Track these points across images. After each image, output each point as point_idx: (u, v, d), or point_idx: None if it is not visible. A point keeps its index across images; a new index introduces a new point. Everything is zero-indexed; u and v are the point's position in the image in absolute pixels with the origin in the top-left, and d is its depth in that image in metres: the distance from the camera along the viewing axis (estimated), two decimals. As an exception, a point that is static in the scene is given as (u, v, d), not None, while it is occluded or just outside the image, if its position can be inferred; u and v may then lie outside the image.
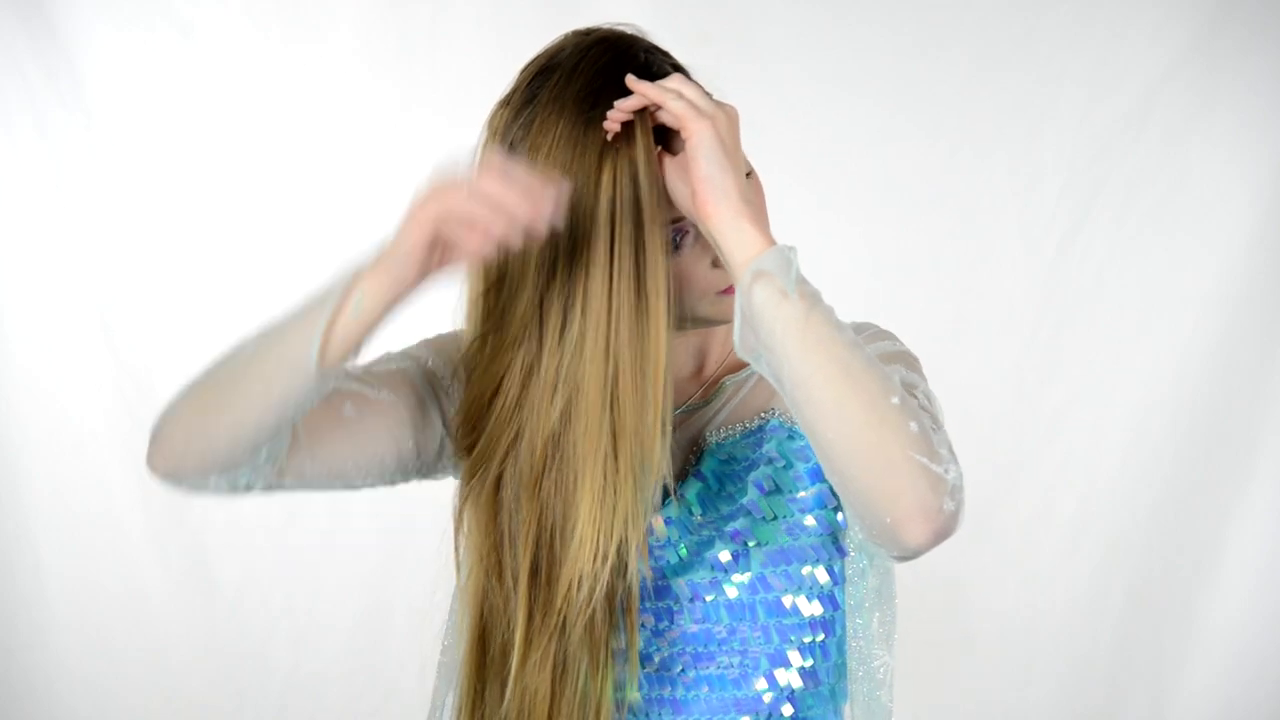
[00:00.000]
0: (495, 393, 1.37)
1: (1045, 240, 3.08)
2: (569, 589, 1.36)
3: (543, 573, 1.38)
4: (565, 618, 1.37)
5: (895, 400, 1.23)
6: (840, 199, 3.09)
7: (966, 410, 3.06)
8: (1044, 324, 3.10)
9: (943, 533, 1.24)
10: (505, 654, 1.41)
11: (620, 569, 1.37)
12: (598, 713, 1.41)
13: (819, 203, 3.07)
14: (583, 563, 1.35)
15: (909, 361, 1.43)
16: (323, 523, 3.13)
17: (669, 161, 1.33)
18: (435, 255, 1.28)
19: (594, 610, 1.38)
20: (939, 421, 1.33)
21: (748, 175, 1.39)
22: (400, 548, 3.05)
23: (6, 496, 3.07)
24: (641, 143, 1.33)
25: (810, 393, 1.24)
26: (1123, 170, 3.06)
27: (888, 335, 1.47)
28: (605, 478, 1.34)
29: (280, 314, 1.34)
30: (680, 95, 1.30)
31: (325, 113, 3.06)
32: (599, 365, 1.32)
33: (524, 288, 1.34)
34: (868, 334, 1.47)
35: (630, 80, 1.32)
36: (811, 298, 1.25)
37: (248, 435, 1.33)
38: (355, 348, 1.31)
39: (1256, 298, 3.04)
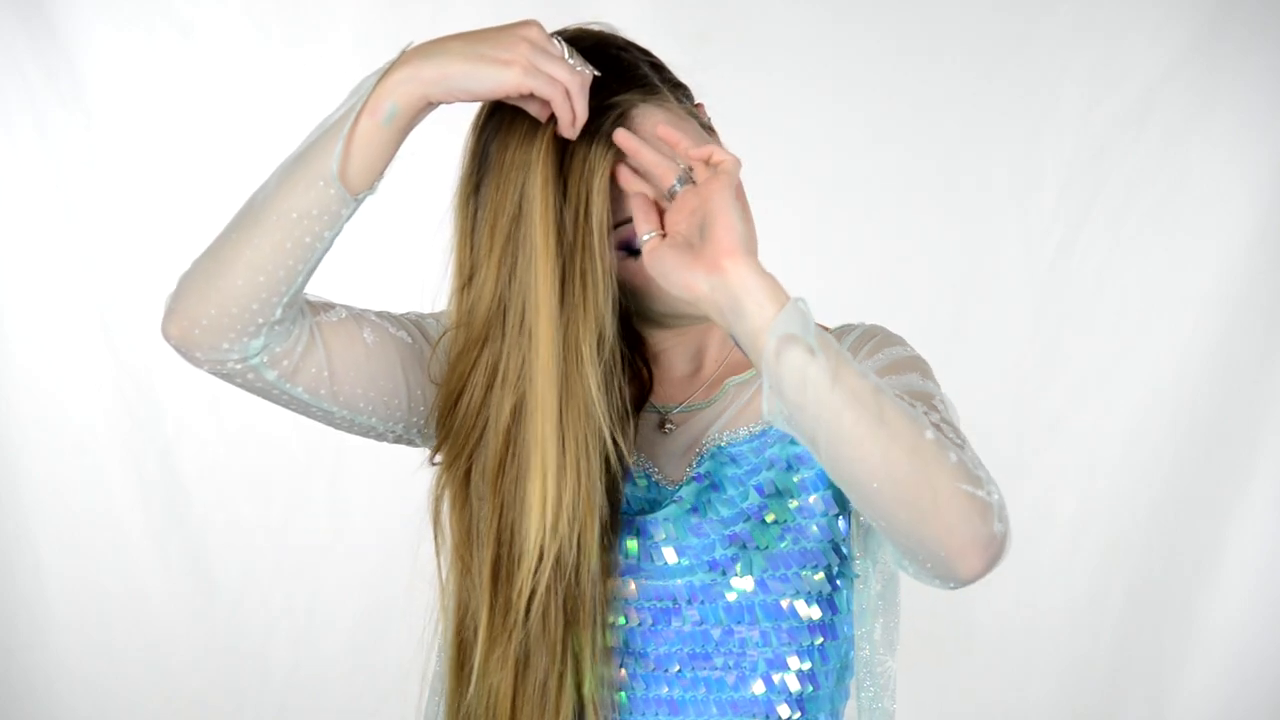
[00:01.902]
0: (463, 389, 1.38)
1: (1045, 240, 3.08)
2: (522, 585, 1.36)
3: (503, 568, 1.38)
4: (521, 614, 1.38)
5: (930, 435, 1.22)
6: (839, 199, 3.09)
7: (966, 410, 3.05)
8: (1044, 324, 3.10)
9: (997, 557, 1.24)
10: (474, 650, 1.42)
11: (574, 566, 1.37)
12: (557, 710, 1.40)
13: (818, 203, 3.07)
14: (531, 558, 1.35)
15: (922, 368, 1.42)
16: (323, 523, 3.13)
17: (661, 246, 1.29)
18: (486, 68, 1.29)
19: (549, 607, 1.38)
20: (961, 435, 1.33)
21: None
22: (400, 548, 3.05)
23: (6, 496, 3.07)
24: (599, 149, 1.33)
25: (850, 448, 1.22)
26: (1123, 170, 3.06)
27: (897, 340, 1.47)
28: (552, 475, 1.34)
29: (299, 145, 1.34)
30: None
31: (325, 113, 3.05)
32: (548, 362, 1.33)
33: (488, 286, 1.34)
34: (879, 338, 1.46)
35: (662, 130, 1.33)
36: (833, 349, 1.22)
37: (268, 277, 1.31)
38: (380, 167, 1.32)
39: (1256, 298, 3.04)
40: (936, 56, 3.05)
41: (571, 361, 1.33)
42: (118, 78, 3.03)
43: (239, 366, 1.35)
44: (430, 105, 1.32)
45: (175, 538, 3.11)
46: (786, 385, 1.22)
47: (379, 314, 1.45)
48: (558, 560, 1.36)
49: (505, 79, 1.28)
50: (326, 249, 1.34)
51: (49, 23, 2.99)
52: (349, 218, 1.33)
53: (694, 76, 1.43)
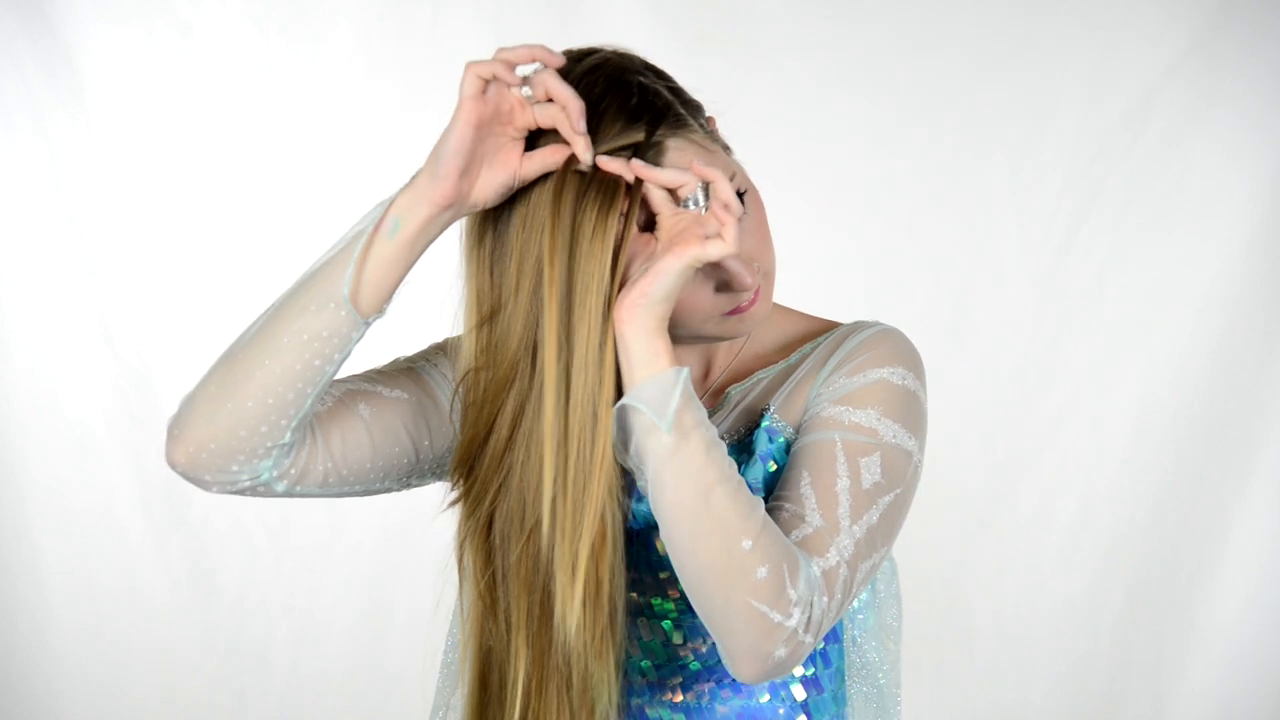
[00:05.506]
0: (488, 435, 1.35)
1: (1045, 240, 3.08)
2: (567, 636, 1.33)
3: (536, 618, 1.36)
4: (565, 663, 1.36)
5: (747, 545, 1.23)
6: (840, 198, 3.09)
7: (967, 410, 3.07)
8: (1044, 324, 3.10)
9: (773, 674, 1.26)
10: (503, 689, 1.40)
11: (608, 595, 1.35)
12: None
13: (819, 202, 3.07)
14: (575, 608, 1.32)
15: (888, 404, 1.36)
16: (323, 522, 3.13)
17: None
18: (475, 168, 1.27)
19: (591, 636, 1.35)
20: (884, 494, 1.31)
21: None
22: (400, 548, 3.06)
23: (6, 496, 3.07)
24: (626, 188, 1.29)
25: (666, 525, 1.26)
26: (1123, 170, 3.06)
27: (896, 359, 1.40)
28: (568, 519, 1.31)
29: (307, 268, 1.32)
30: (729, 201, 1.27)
31: (325, 113, 3.06)
32: (561, 406, 1.29)
33: (516, 325, 1.31)
34: (870, 356, 1.40)
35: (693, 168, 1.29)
36: (688, 429, 1.23)
37: (277, 399, 1.29)
38: (390, 288, 1.30)
39: (1256, 298, 3.04)
40: (937, 56, 3.05)
41: (592, 401, 1.29)
42: (118, 78, 3.03)
43: (249, 484, 1.35)
44: (437, 217, 1.29)
45: (175, 538, 3.12)
46: (629, 442, 1.26)
47: (366, 376, 1.43)
48: (595, 595, 1.33)
49: (514, 161, 1.28)
50: (335, 372, 1.32)
51: (49, 23, 3.00)
52: (358, 341, 1.31)
53: (713, 82, 1.41)
